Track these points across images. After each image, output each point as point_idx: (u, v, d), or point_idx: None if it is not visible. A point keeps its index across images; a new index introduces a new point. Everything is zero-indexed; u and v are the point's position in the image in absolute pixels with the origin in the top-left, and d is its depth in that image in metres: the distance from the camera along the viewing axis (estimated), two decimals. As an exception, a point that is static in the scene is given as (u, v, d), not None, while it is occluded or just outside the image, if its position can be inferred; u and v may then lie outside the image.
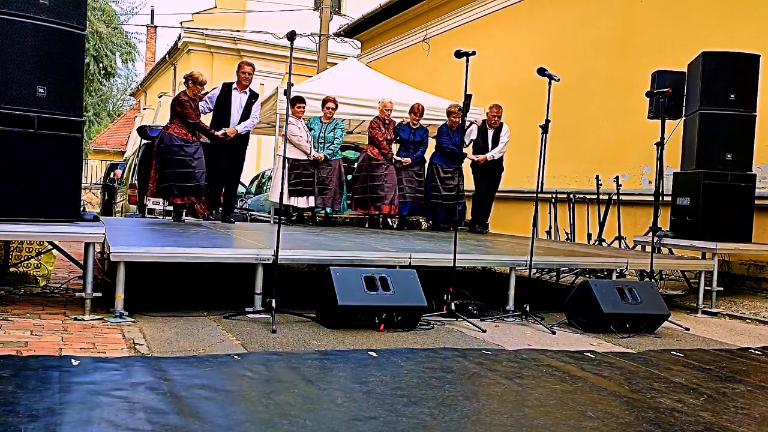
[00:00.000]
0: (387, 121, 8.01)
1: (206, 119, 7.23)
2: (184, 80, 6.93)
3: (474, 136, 8.11)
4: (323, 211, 8.06)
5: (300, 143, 7.55)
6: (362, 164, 8.04)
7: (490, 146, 8.09)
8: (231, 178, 7.51)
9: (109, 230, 4.61)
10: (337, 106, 7.86)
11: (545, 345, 4.19)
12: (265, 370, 3.22)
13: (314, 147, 7.71)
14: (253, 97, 7.35)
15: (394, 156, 8.02)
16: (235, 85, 7.24)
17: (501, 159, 8.18)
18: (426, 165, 8.28)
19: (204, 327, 4.11)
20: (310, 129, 7.79)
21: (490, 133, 8.11)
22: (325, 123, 7.84)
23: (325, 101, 7.83)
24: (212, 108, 7.20)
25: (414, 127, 8.08)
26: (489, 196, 8.33)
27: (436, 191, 8.11)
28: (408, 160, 8.03)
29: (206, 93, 7.19)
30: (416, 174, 8.14)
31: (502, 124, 8.10)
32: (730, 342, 4.71)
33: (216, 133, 7.03)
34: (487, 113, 8.13)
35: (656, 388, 3.28)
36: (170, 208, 9.34)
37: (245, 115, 7.24)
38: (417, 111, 8.04)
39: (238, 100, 7.22)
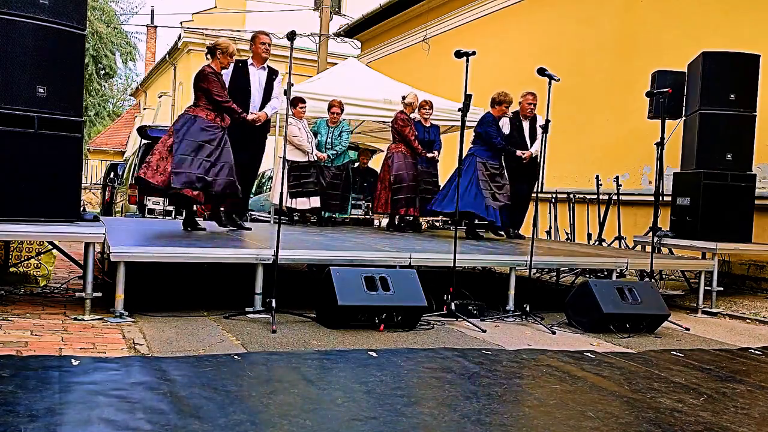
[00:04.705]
0: (409, 118, 7.67)
1: None
2: (208, 52, 5.62)
3: (507, 131, 7.14)
4: (326, 214, 8.03)
5: (301, 143, 7.50)
6: (400, 163, 7.52)
7: (528, 140, 7.21)
8: (250, 174, 6.39)
9: (109, 230, 4.61)
10: (342, 111, 7.83)
11: (545, 345, 4.19)
12: (265, 370, 3.22)
13: (320, 151, 7.70)
14: (273, 73, 6.21)
15: (425, 152, 7.63)
16: (251, 61, 6.09)
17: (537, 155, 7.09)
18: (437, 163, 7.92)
19: (204, 327, 4.11)
20: (317, 134, 7.79)
21: (526, 125, 7.25)
22: (332, 127, 7.83)
23: (330, 106, 7.79)
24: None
25: (426, 125, 7.80)
26: (528, 197, 7.38)
27: (488, 188, 6.86)
28: (436, 153, 7.69)
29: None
30: (431, 174, 7.79)
31: (536, 114, 7.25)
32: (730, 342, 4.70)
33: (247, 116, 5.75)
34: (521, 102, 7.29)
35: (656, 388, 3.28)
36: (170, 208, 9.32)
37: (267, 95, 6.11)
38: (428, 104, 7.81)
39: (257, 77, 6.06)
